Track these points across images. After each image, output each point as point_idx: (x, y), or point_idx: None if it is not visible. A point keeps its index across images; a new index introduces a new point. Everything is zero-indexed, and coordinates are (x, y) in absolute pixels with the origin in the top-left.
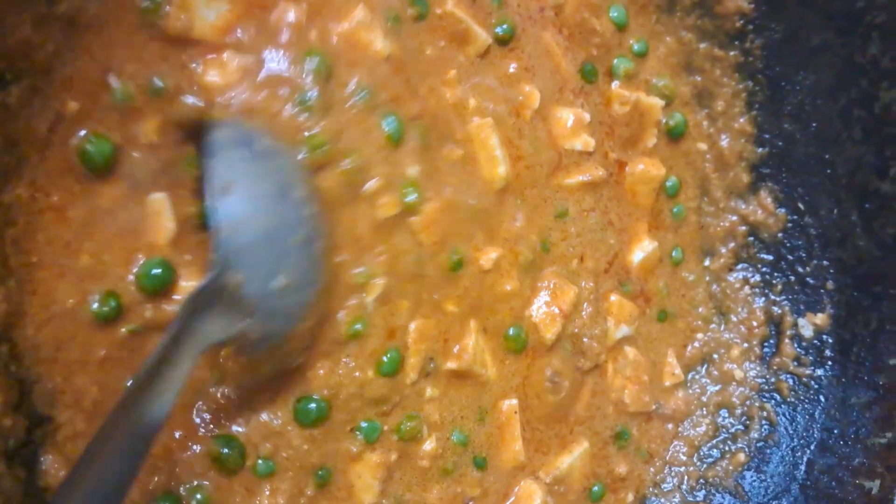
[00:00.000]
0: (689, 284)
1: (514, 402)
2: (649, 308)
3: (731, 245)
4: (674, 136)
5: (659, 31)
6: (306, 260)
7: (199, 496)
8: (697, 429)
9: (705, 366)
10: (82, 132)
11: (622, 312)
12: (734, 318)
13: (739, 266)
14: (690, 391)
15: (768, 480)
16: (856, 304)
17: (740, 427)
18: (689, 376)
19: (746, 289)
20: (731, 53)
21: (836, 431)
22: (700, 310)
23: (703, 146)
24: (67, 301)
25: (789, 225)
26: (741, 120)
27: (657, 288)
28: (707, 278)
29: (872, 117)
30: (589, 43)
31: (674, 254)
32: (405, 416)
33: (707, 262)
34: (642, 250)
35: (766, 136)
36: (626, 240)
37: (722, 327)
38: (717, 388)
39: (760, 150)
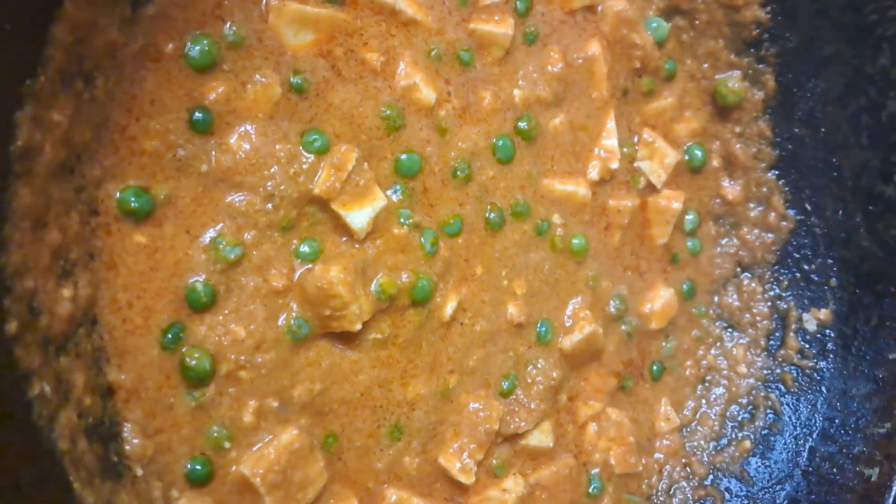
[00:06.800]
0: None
1: None
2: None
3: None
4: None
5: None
6: None
7: None
8: (705, 426)
9: (712, 375)
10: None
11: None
12: (741, 317)
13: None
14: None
15: (772, 466)
16: (858, 300)
17: (746, 416)
18: (698, 390)
19: (754, 285)
20: (747, 60)
21: (837, 421)
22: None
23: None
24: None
25: (796, 225)
26: (759, 124)
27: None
28: (715, 299)
29: (879, 125)
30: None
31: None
32: None
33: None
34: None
35: (778, 139)
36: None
37: (727, 335)
38: (723, 391)
39: (772, 152)
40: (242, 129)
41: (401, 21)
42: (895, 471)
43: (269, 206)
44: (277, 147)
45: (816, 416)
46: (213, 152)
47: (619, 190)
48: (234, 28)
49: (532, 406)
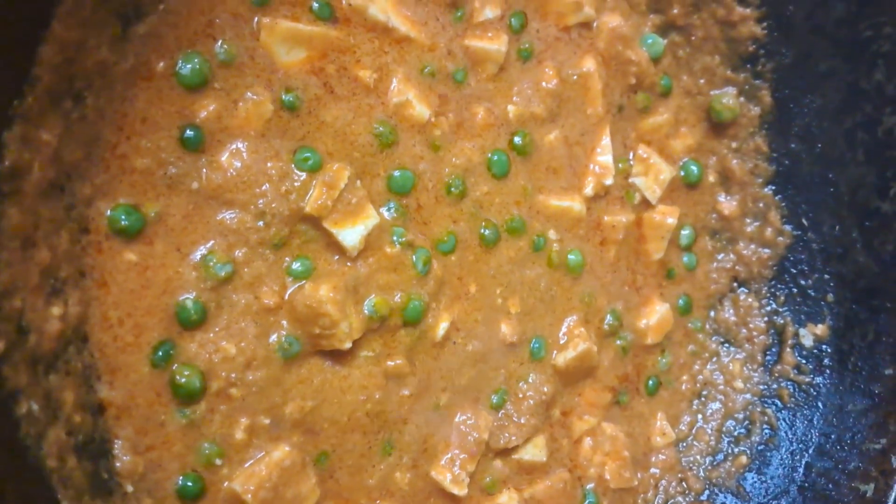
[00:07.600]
0: (692, 333)
1: None
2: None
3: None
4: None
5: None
6: None
7: None
8: (701, 441)
9: (708, 389)
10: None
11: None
12: (738, 332)
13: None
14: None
15: (768, 482)
16: (854, 316)
17: (742, 431)
18: (694, 405)
19: (750, 300)
20: (743, 76)
21: (833, 436)
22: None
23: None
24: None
25: (793, 240)
26: (756, 139)
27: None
28: (712, 314)
29: (875, 140)
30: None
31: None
32: None
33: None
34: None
35: (774, 155)
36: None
37: (723, 350)
38: (719, 405)
39: (769, 167)
40: (234, 146)
41: (394, 38)
42: (891, 487)
43: (261, 223)
44: (269, 165)
45: (813, 431)
46: (204, 170)
47: (614, 205)
48: (225, 46)
49: (522, 421)
